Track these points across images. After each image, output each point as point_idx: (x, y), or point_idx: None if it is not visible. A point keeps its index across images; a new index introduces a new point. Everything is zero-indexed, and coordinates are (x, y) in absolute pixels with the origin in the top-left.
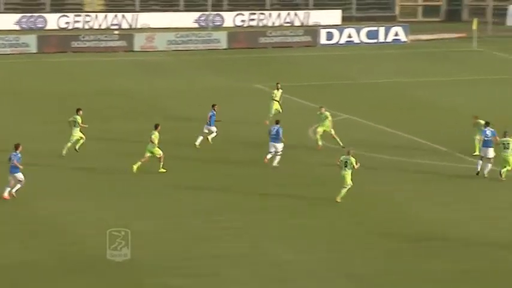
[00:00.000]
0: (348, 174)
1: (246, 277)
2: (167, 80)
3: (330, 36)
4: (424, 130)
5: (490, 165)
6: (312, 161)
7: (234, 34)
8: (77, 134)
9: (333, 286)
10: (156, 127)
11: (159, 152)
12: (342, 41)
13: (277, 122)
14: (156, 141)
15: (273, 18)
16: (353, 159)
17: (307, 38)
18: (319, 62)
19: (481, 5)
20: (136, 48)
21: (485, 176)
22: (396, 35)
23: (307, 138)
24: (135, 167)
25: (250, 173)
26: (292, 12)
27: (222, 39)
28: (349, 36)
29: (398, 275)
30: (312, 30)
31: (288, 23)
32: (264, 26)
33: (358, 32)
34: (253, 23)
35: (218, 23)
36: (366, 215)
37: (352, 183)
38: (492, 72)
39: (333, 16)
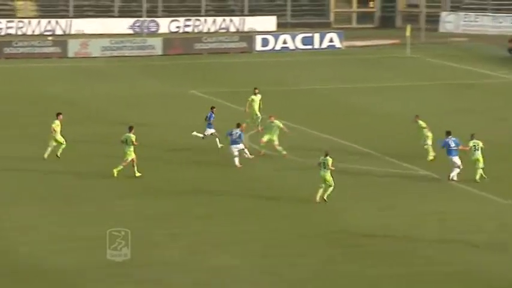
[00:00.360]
0: (327, 174)
1: (187, 284)
2: (102, 86)
3: (265, 42)
4: (359, 136)
5: (457, 170)
6: (252, 167)
7: (169, 40)
8: (59, 138)
9: None
10: (130, 129)
11: (128, 157)
12: (278, 47)
13: (238, 126)
14: (134, 144)
15: (209, 24)
16: (329, 160)
17: (243, 44)
18: (254, 68)
19: (414, 12)
20: (71, 54)
21: (455, 179)
22: (331, 41)
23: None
24: (137, 174)
25: (191, 178)
26: (227, 19)
27: (157, 46)
28: (285, 43)
29: (333, 280)
30: (248, 37)
31: (223, 29)
32: (200, 32)
33: (293, 38)
34: (189, 29)
35: (153, 29)
36: (302, 220)
37: (330, 182)
38: (425, 79)
39: (268, 22)
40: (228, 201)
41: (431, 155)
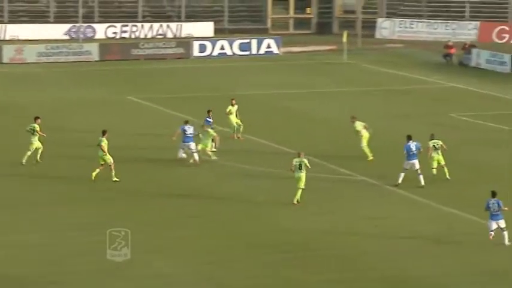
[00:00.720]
0: (303, 176)
1: None
2: (39, 92)
3: (202, 48)
4: (296, 141)
5: (421, 176)
6: (192, 173)
7: (106, 46)
8: (35, 142)
9: None
10: (103, 133)
11: (110, 160)
12: (215, 53)
13: (186, 122)
14: (105, 149)
15: (145, 30)
16: (306, 161)
17: (180, 50)
18: (192, 74)
19: (351, 18)
20: (5, 60)
21: (423, 186)
22: (268, 47)
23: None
24: (93, 174)
25: (127, 186)
26: (164, 24)
27: (93, 51)
28: (222, 48)
29: (277, 286)
30: (185, 42)
31: (160, 35)
32: (137, 38)
33: (230, 44)
34: (126, 35)
35: (89, 35)
36: (243, 225)
37: (303, 184)
38: (362, 84)
39: (206, 28)
40: (168, 207)
41: (369, 156)
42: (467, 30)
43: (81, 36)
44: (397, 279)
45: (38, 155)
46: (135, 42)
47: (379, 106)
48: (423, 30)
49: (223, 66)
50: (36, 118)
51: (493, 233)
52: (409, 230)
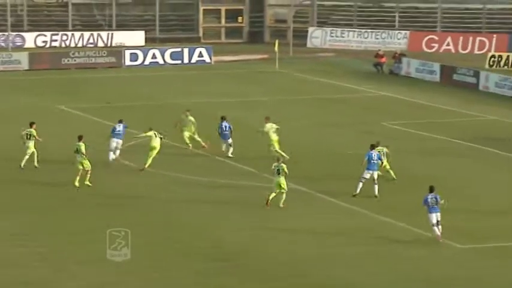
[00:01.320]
0: (282, 180)
1: None
2: None
3: (134, 57)
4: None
5: (376, 186)
6: (125, 182)
7: (36, 55)
8: (31, 146)
9: None
10: (80, 138)
11: (88, 165)
12: (147, 62)
13: (120, 121)
14: (84, 153)
15: (76, 39)
16: (284, 166)
17: (112, 59)
18: (124, 83)
19: (282, 27)
20: None
21: (376, 196)
22: (200, 56)
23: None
24: (76, 183)
25: (58, 194)
26: (95, 33)
27: (22, 60)
28: (154, 57)
29: None
30: (116, 51)
31: (91, 43)
32: (67, 47)
33: (162, 53)
34: (56, 44)
35: (19, 44)
36: (174, 234)
37: (285, 188)
38: (294, 93)
39: (137, 37)
40: (100, 215)
41: (284, 155)
42: (397, 40)
43: (10, 45)
44: (331, 287)
45: (35, 161)
46: (66, 51)
47: (310, 114)
48: (354, 39)
49: (155, 75)
50: (32, 123)
51: (435, 228)
52: (343, 238)
